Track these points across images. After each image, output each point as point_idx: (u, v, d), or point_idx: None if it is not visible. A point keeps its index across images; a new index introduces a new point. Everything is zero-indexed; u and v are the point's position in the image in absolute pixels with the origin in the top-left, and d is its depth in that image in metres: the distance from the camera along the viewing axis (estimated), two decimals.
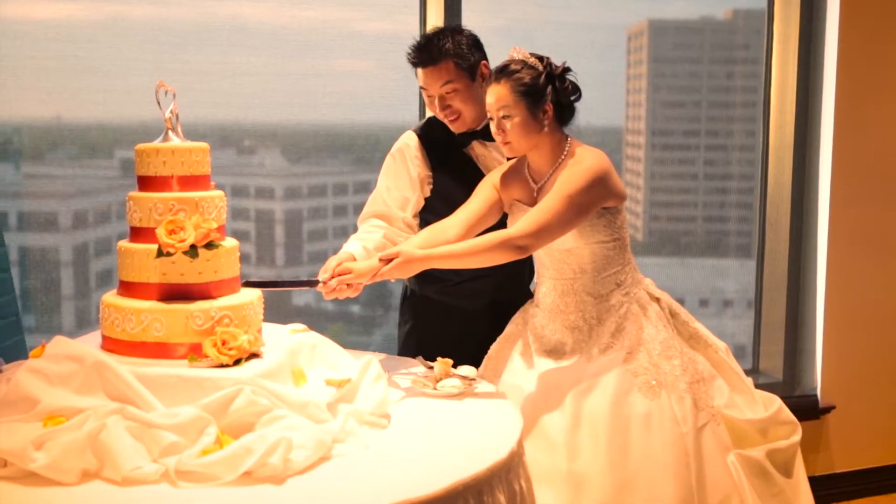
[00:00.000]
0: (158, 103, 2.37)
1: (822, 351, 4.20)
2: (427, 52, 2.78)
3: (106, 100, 3.31)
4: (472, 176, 2.83)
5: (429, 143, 2.90)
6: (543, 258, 2.67)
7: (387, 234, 2.81)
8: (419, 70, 2.81)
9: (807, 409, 4.11)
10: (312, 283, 2.54)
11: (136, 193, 2.31)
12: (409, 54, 2.82)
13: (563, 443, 2.44)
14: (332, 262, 2.58)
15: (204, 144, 2.37)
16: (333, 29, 3.54)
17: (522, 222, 2.51)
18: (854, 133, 4.10)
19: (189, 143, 2.34)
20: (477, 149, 2.90)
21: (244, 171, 3.67)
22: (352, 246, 2.72)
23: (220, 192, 2.36)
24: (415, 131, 2.93)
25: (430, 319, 3.01)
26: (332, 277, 2.50)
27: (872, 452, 4.28)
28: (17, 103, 3.21)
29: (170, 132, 2.36)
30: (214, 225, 2.25)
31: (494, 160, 2.87)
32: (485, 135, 2.80)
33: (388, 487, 1.85)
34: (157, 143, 2.33)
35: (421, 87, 2.86)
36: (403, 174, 2.88)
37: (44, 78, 3.23)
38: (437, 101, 2.81)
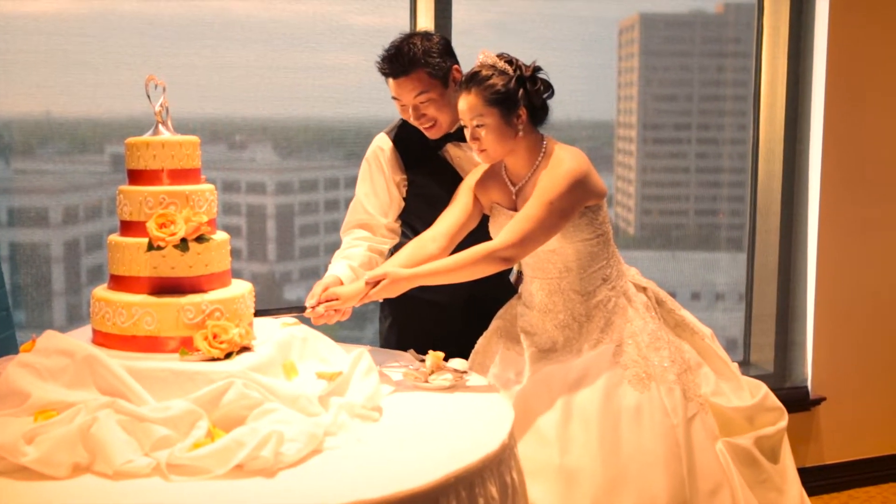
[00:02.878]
0: (148, 97, 2.37)
1: (812, 343, 4.21)
2: (398, 62, 2.68)
3: (96, 94, 3.30)
4: (449, 176, 2.81)
5: (403, 147, 2.85)
6: (528, 259, 2.65)
7: (371, 245, 2.79)
8: (390, 80, 2.72)
9: (797, 400, 4.13)
10: (300, 310, 2.54)
11: (126, 187, 2.30)
12: (378, 64, 2.72)
13: (555, 437, 2.44)
14: (318, 287, 2.57)
15: (194, 138, 2.37)
16: (323, 22, 3.53)
17: (505, 233, 2.50)
18: (844, 125, 4.11)
19: (179, 137, 2.34)
20: (451, 150, 2.85)
21: (235, 166, 3.66)
22: (337, 268, 2.70)
23: (210, 186, 2.36)
24: (388, 133, 2.88)
25: (409, 314, 2.99)
26: (320, 304, 2.50)
27: (863, 443, 4.30)
28: (6, 98, 3.20)
29: (160, 126, 2.36)
30: (205, 218, 2.25)
31: (469, 161, 2.82)
32: (459, 136, 2.75)
33: (380, 480, 1.85)
34: (147, 137, 2.33)
35: (393, 97, 2.76)
36: (380, 179, 2.84)
37: (33, 73, 3.22)
38: (410, 111, 2.74)
